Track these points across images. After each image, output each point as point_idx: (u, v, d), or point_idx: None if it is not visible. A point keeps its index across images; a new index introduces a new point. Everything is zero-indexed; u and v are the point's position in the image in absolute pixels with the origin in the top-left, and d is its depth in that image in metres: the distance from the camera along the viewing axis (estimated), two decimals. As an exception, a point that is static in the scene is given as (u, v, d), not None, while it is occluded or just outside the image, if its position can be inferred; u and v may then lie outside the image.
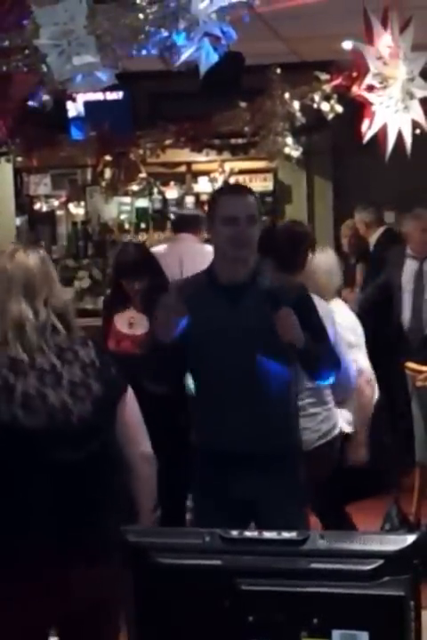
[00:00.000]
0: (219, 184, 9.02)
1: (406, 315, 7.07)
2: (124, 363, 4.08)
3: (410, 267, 7.15)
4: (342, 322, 4.66)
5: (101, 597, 2.80)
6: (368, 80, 6.00)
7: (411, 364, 5.79)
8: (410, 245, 7.17)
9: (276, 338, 3.43)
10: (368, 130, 6.10)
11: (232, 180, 9.05)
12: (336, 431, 4.52)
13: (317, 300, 3.97)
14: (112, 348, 4.76)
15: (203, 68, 3.67)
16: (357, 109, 6.86)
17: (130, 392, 2.99)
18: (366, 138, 6.10)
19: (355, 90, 6.05)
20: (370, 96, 6.06)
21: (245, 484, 3.57)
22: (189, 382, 3.80)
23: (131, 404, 2.98)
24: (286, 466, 3.64)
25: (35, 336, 2.80)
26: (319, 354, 3.65)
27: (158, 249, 6.53)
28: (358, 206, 8.18)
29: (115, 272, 5.20)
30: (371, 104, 6.07)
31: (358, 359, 4.71)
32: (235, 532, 1.99)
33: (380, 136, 6.18)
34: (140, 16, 3.59)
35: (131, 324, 4.94)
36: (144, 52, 3.72)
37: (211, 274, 3.68)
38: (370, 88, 6.08)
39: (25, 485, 2.76)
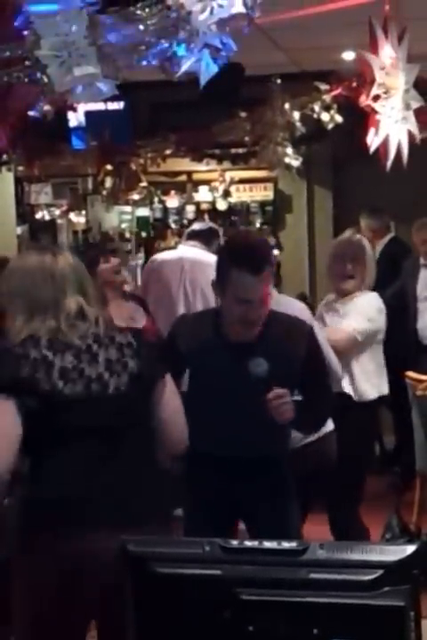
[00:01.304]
0: (219, 193, 9.04)
1: (421, 324, 7.12)
2: None
3: (424, 275, 7.20)
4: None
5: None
6: (375, 90, 6.01)
7: (411, 374, 5.79)
8: (422, 255, 7.23)
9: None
10: (374, 139, 6.10)
11: (233, 189, 9.07)
12: (327, 428, 4.50)
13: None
14: None
15: (203, 80, 3.68)
16: (357, 119, 6.87)
17: (169, 378, 3.09)
18: (373, 148, 6.09)
19: (363, 99, 6.04)
20: (376, 105, 6.06)
21: (232, 490, 3.62)
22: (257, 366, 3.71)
23: (171, 387, 3.09)
24: (275, 469, 3.68)
25: (91, 324, 2.98)
26: (314, 414, 3.73)
27: (163, 255, 6.55)
28: (364, 212, 8.06)
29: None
30: (377, 113, 6.07)
31: None
32: (235, 542, 1.99)
33: (380, 146, 6.19)
34: (141, 27, 3.60)
35: (131, 318, 4.91)
36: (144, 63, 3.73)
37: (218, 324, 3.65)
38: (376, 98, 6.09)
39: (68, 448, 2.90)
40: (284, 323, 3.71)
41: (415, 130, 6.35)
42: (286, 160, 7.53)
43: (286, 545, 1.96)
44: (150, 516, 2.89)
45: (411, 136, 6.34)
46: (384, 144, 6.19)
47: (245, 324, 3.51)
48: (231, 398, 3.57)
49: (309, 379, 3.64)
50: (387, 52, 6.05)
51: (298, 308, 4.22)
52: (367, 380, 4.91)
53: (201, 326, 3.74)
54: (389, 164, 6.17)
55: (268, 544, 1.98)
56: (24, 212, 9.39)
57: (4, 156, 7.27)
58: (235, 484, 3.63)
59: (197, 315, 4.02)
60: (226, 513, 3.66)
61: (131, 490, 2.94)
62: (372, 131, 6.07)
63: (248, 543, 2.01)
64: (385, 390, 4.99)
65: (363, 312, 4.89)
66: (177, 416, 3.12)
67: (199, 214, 9.16)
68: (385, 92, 6.09)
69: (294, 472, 3.93)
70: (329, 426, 4.52)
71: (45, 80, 3.72)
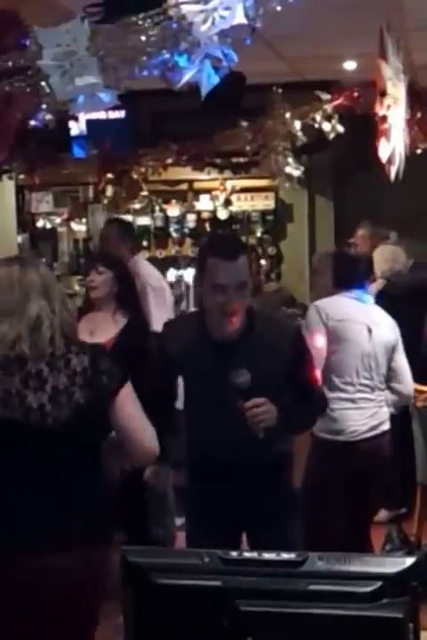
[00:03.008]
0: (220, 202, 9.05)
1: None
2: None
3: None
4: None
5: (72, 588, 2.95)
6: (388, 99, 6.01)
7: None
8: None
9: (270, 385, 3.46)
10: (386, 149, 6.09)
11: (234, 199, 9.08)
12: (385, 427, 4.75)
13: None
14: None
15: (204, 91, 3.68)
16: (358, 129, 6.89)
17: (125, 392, 3.09)
18: (386, 157, 6.08)
19: (378, 107, 6.03)
20: (389, 114, 6.06)
21: (232, 499, 3.60)
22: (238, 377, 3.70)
23: (126, 405, 3.09)
24: (274, 478, 3.65)
25: (48, 336, 2.99)
26: (295, 421, 3.68)
27: None
28: (364, 222, 8.05)
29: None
30: (386, 123, 6.07)
31: None
32: (234, 553, 1.99)
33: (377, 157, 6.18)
34: (142, 37, 3.61)
35: (91, 332, 4.86)
36: (146, 73, 3.74)
37: (201, 324, 3.66)
38: (387, 107, 6.09)
39: (5, 475, 2.99)
40: (269, 321, 3.76)
41: (407, 141, 6.36)
42: (287, 169, 7.55)
43: (285, 556, 1.95)
44: (82, 538, 2.96)
45: (408, 146, 6.34)
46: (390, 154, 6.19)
47: (224, 315, 3.50)
48: (220, 400, 3.55)
49: (295, 378, 3.62)
50: (392, 62, 6.05)
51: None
52: None
53: (186, 328, 3.79)
54: (393, 173, 6.15)
55: (267, 555, 1.97)
56: (25, 220, 9.40)
57: (5, 165, 7.24)
58: (234, 497, 3.61)
59: (183, 317, 4.06)
60: (227, 527, 3.63)
61: (60, 515, 2.98)
62: (383, 140, 6.05)
63: (247, 554, 2.00)
64: None
65: None
66: (138, 425, 3.11)
67: (200, 223, 9.17)
68: (394, 102, 6.09)
69: (348, 467, 4.34)
70: (386, 425, 4.74)
71: (47, 90, 3.73)
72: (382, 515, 6.24)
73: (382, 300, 5.37)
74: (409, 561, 1.86)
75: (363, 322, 4.78)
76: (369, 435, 4.69)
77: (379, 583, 1.84)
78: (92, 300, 5.02)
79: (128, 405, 3.09)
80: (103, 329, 4.93)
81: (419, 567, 1.86)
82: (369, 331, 4.78)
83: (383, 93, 5.94)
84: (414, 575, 1.85)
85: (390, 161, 6.08)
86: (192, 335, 3.66)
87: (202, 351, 3.61)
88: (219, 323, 3.55)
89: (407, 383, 4.92)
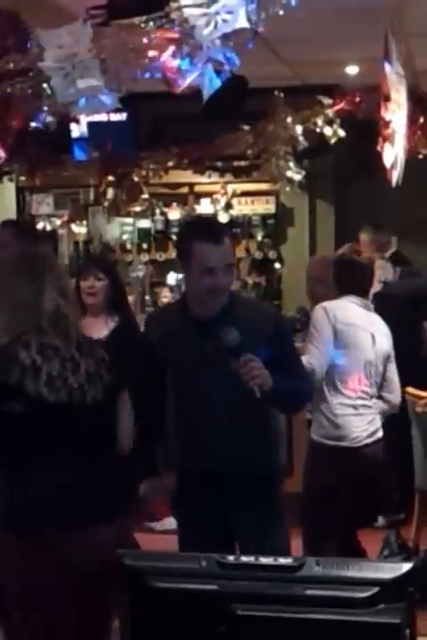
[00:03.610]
0: (221, 206, 9.05)
1: None
2: None
3: None
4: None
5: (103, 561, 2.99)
6: (393, 104, 6.01)
7: (411, 390, 5.78)
8: None
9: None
10: (390, 154, 6.09)
11: (234, 202, 9.08)
12: (380, 434, 4.78)
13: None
14: None
15: (205, 94, 3.68)
16: (359, 133, 6.89)
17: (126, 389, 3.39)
18: (390, 163, 6.08)
19: (383, 111, 6.02)
20: (394, 118, 6.06)
21: (222, 505, 3.58)
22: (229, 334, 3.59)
23: (126, 400, 3.37)
24: (264, 487, 3.62)
25: (68, 328, 3.23)
26: (289, 391, 3.61)
27: None
28: (366, 226, 8.02)
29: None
30: (391, 127, 6.06)
31: None
32: (231, 557, 1.99)
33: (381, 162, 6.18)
34: (145, 40, 3.61)
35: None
36: (147, 76, 3.74)
37: (182, 306, 3.71)
38: (392, 111, 6.09)
39: (49, 450, 3.15)
40: (248, 304, 3.82)
41: (407, 145, 6.36)
42: (289, 174, 7.55)
43: (282, 561, 1.95)
44: (117, 510, 3.19)
45: (407, 151, 6.34)
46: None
47: (212, 294, 3.55)
48: (207, 399, 3.56)
49: (280, 362, 3.55)
50: (396, 67, 6.05)
51: None
52: None
53: (168, 314, 3.90)
54: (396, 179, 6.14)
55: (264, 560, 1.97)
56: (25, 222, 9.40)
57: (6, 167, 7.24)
58: (223, 504, 3.58)
59: (164, 305, 4.05)
60: (219, 534, 3.58)
61: (98, 489, 3.18)
62: (388, 146, 6.04)
63: (244, 559, 2.00)
64: None
65: None
66: (126, 422, 3.36)
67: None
68: (399, 107, 6.09)
69: (351, 473, 4.39)
70: (381, 432, 4.77)
71: (49, 92, 3.73)
72: (380, 520, 6.24)
73: (379, 306, 5.35)
74: (406, 567, 1.85)
75: (368, 329, 4.78)
76: (369, 441, 4.70)
77: (376, 589, 1.84)
78: (88, 305, 5.02)
79: (126, 401, 3.35)
80: (97, 334, 4.89)
81: (416, 573, 1.86)
82: (373, 338, 4.78)
83: (387, 98, 5.94)
84: (411, 581, 1.85)
85: (393, 166, 6.07)
86: (174, 318, 3.71)
87: (183, 329, 3.65)
88: (203, 303, 3.60)
89: (397, 394, 4.96)
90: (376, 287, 6.66)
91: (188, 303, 3.68)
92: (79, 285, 5.00)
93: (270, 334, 3.57)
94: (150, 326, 3.90)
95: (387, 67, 5.91)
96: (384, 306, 5.39)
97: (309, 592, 1.88)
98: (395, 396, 4.92)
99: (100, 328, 4.99)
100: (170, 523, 5.81)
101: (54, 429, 3.14)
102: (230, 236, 3.70)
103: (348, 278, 4.92)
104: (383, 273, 6.98)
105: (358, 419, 4.70)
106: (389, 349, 4.88)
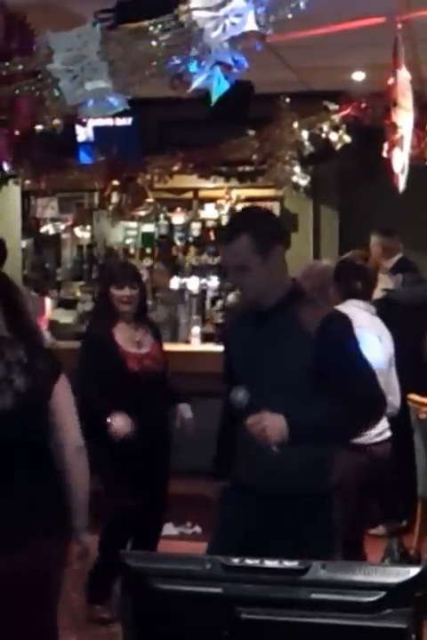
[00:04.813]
0: (225, 211, 9.04)
1: None
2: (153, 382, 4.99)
3: None
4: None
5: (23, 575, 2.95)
6: (401, 111, 5.99)
7: (414, 396, 5.77)
8: None
9: (290, 367, 3.26)
10: (400, 159, 6.07)
11: (239, 208, 9.06)
12: (388, 434, 4.84)
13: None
14: (135, 368, 5.02)
15: (214, 97, 3.68)
16: (365, 139, 6.89)
17: (62, 383, 3.15)
18: (399, 167, 6.06)
19: (393, 116, 6.01)
20: (402, 124, 6.05)
21: (259, 522, 3.34)
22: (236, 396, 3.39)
23: (62, 394, 3.15)
24: (315, 507, 3.32)
25: None
26: (326, 428, 3.22)
27: None
28: (376, 230, 7.92)
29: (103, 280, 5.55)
30: (400, 132, 6.04)
31: None
32: (236, 560, 1.97)
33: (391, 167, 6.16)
34: (153, 43, 3.61)
35: (138, 342, 5.13)
36: (156, 79, 3.74)
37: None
38: (401, 117, 6.08)
39: None
40: (308, 300, 3.48)
41: (411, 151, 6.36)
42: (294, 179, 7.55)
43: (287, 564, 1.94)
44: (38, 529, 3.00)
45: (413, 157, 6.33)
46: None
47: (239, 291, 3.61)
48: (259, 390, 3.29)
49: (328, 372, 3.23)
50: (404, 73, 6.04)
51: None
52: None
53: (241, 315, 3.69)
54: (403, 183, 6.12)
55: (269, 563, 1.96)
56: (29, 225, 9.41)
57: (10, 170, 7.24)
58: (260, 522, 3.33)
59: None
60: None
61: (16, 508, 3.01)
62: (397, 150, 6.02)
63: (249, 561, 1.99)
64: None
65: None
66: (68, 419, 3.16)
67: (204, 232, 9.17)
68: (405, 112, 6.08)
69: (362, 468, 4.47)
70: (388, 432, 4.84)
71: (57, 94, 3.73)
72: (381, 528, 6.23)
73: (381, 312, 5.35)
74: (413, 571, 1.84)
75: (375, 332, 4.82)
76: (379, 439, 4.77)
77: (382, 593, 1.83)
78: (122, 312, 5.09)
79: (66, 395, 3.17)
80: (144, 340, 5.17)
81: (423, 578, 1.85)
82: (380, 340, 4.86)
83: (396, 103, 5.93)
84: (418, 586, 1.83)
85: (401, 171, 6.07)
86: (241, 315, 3.66)
87: (243, 320, 3.55)
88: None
89: (398, 397, 5.00)
90: (378, 295, 6.68)
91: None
92: (111, 293, 5.10)
93: (316, 338, 3.23)
94: (227, 325, 3.90)
95: (398, 71, 5.90)
96: (387, 312, 5.40)
97: (314, 596, 1.87)
98: (395, 398, 4.95)
99: (145, 336, 5.19)
100: (169, 528, 5.88)
101: None
102: (250, 234, 3.32)
103: (351, 282, 4.94)
104: (384, 285, 6.96)
105: None
106: (392, 352, 4.98)
